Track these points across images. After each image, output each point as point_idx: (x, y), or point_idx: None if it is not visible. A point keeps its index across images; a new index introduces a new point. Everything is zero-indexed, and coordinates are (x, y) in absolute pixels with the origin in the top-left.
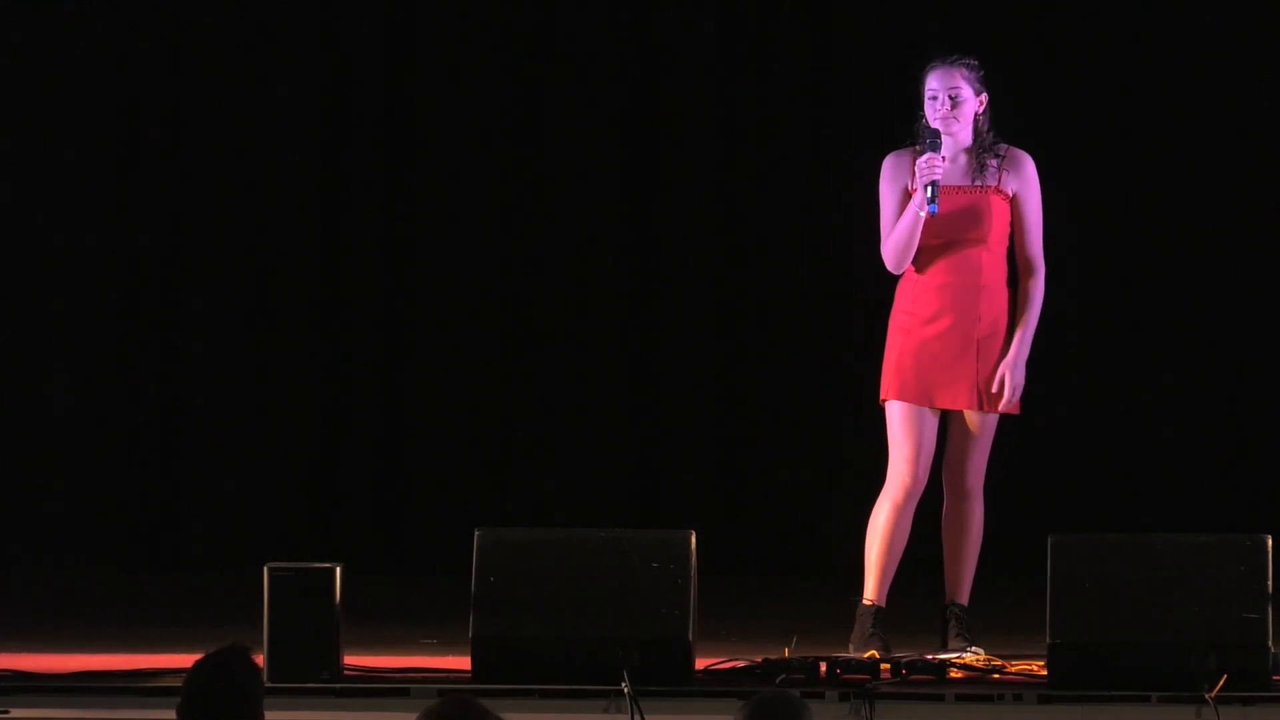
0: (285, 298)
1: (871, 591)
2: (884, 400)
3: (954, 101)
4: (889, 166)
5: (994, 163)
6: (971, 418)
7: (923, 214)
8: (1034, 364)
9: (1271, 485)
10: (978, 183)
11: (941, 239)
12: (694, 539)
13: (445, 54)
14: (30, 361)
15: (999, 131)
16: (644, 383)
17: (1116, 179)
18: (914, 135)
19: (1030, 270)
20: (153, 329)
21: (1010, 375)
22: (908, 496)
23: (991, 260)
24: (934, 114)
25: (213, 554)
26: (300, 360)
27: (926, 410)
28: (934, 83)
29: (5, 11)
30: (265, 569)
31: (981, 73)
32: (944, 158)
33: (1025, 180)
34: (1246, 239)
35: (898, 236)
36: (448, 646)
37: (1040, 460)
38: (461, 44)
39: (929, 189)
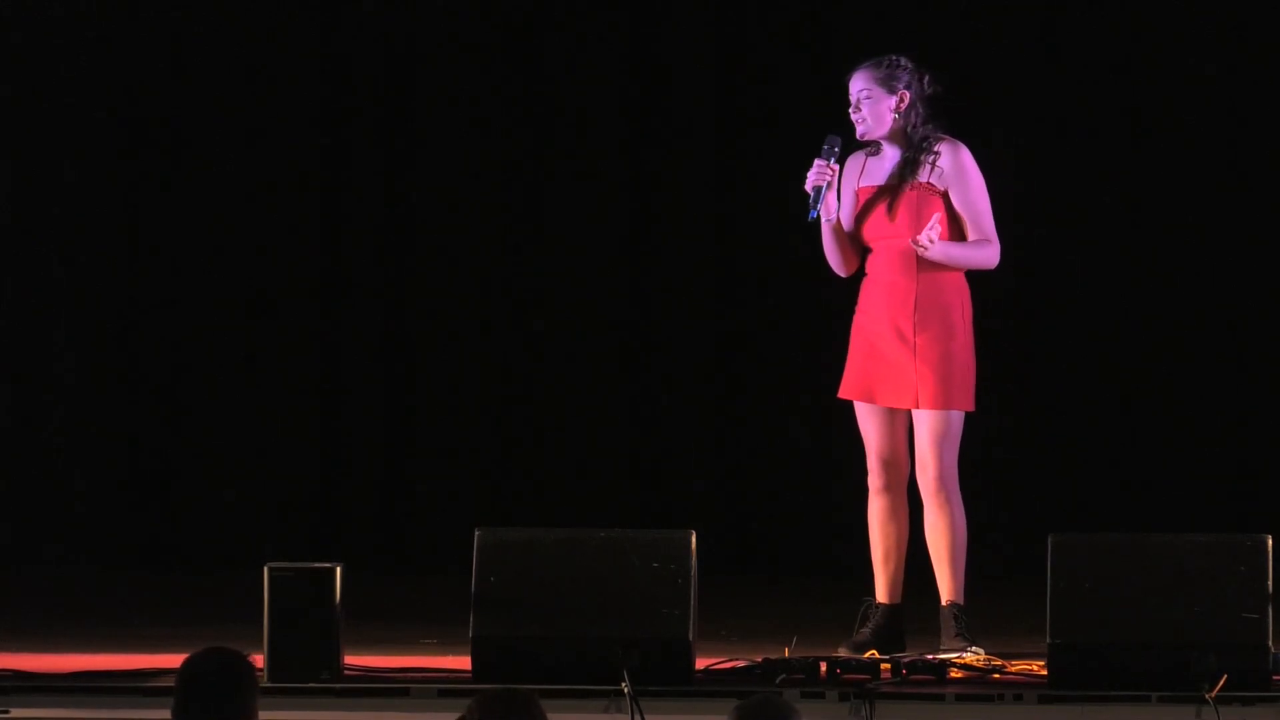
0: (286, 297)
1: (876, 590)
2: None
3: (861, 104)
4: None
5: (927, 158)
6: (928, 417)
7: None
8: (1035, 364)
9: (1271, 485)
10: (906, 180)
11: (877, 239)
12: (694, 539)
13: (444, 55)
14: (30, 362)
15: (947, 125)
16: (644, 383)
17: (1116, 177)
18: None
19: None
20: (153, 328)
21: (926, 231)
22: (878, 492)
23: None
24: (853, 118)
25: (213, 554)
26: (300, 360)
27: (878, 408)
28: (851, 87)
29: (6, 10)
30: (265, 569)
31: (899, 69)
32: (833, 165)
33: (957, 170)
34: (1248, 238)
35: (823, 243)
36: (448, 646)
37: (1040, 460)
38: (461, 45)
39: (811, 195)
